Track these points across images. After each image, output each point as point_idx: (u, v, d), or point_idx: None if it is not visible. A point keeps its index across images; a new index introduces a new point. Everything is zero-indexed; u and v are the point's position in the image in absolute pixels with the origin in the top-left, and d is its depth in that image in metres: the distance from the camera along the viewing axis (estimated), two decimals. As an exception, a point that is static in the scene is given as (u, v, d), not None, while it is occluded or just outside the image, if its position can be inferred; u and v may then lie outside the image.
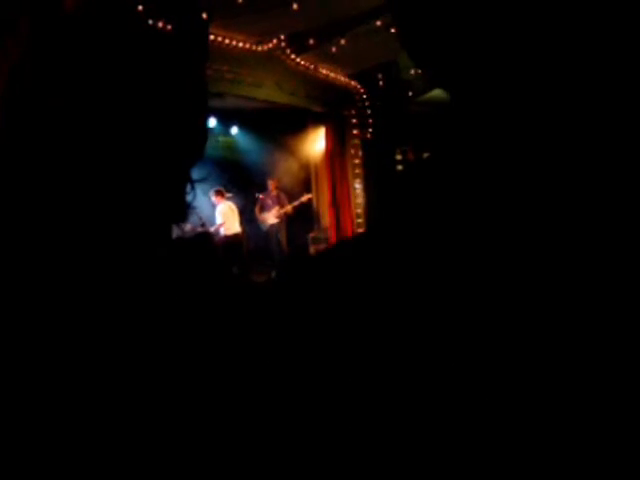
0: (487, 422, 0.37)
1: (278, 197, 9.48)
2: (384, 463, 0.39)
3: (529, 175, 0.40)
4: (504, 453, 0.37)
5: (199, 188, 0.78)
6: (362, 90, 9.17)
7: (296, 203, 9.46)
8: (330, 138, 9.68)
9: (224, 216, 8.55)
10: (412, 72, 8.54)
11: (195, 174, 0.77)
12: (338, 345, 0.41)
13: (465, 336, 0.38)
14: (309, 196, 9.63)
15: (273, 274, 7.09)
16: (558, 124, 0.40)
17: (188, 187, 0.75)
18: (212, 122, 7.95)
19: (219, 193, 8.51)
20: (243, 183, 9.28)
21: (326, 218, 9.90)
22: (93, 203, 0.65)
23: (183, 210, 0.75)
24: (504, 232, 0.39)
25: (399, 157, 9.36)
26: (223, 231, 8.50)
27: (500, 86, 0.41)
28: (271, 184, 9.51)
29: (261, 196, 9.53)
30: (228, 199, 8.67)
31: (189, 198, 0.76)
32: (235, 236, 8.65)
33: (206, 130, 0.79)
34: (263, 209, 9.50)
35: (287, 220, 9.53)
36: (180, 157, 0.73)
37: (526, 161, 0.40)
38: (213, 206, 8.54)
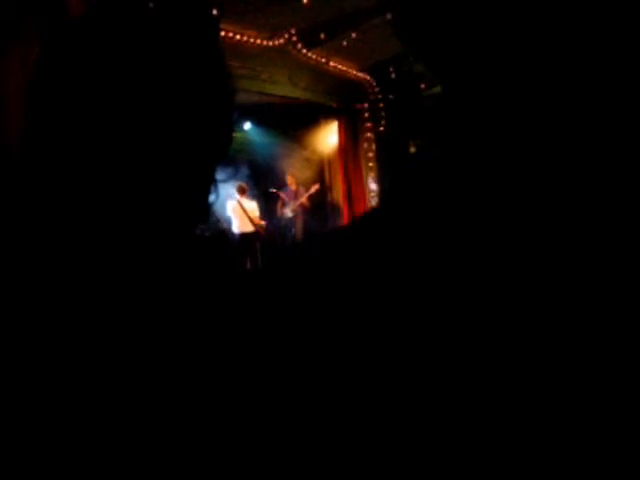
0: (487, 421, 0.37)
1: (296, 192, 9.53)
2: (383, 462, 0.39)
3: (522, 170, 0.39)
4: (504, 453, 0.36)
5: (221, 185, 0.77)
6: (374, 83, 9.14)
7: (306, 195, 9.48)
8: (343, 132, 9.67)
9: (234, 213, 8.57)
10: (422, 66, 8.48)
11: (219, 174, 0.76)
12: (335, 339, 0.41)
13: (465, 331, 0.38)
14: (317, 187, 9.62)
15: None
16: (552, 120, 0.39)
17: (212, 187, 0.75)
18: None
19: (240, 189, 8.48)
20: (255, 178, 9.31)
21: (340, 212, 9.90)
22: (115, 201, 0.66)
23: (207, 210, 0.75)
24: (500, 227, 0.39)
25: (413, 150, 9.32)
26: (236, 228, 8.52)
27: (496, 80, 0.41)
28: (289, 179, 9.56)
29: (280, 192, 9.57)
30: (244, 196, 8.64)
31: (212, 198, 0.76)
32: (250, 233, 8.64)
33: (230, 130, 0.78)
34: (283, 204, 9.56)
35: (304, 214, 9.54)
36: (204, 157, 0.73)
37: (519, 156, 0.40)
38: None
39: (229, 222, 8.49)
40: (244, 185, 8.52)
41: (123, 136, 0.65)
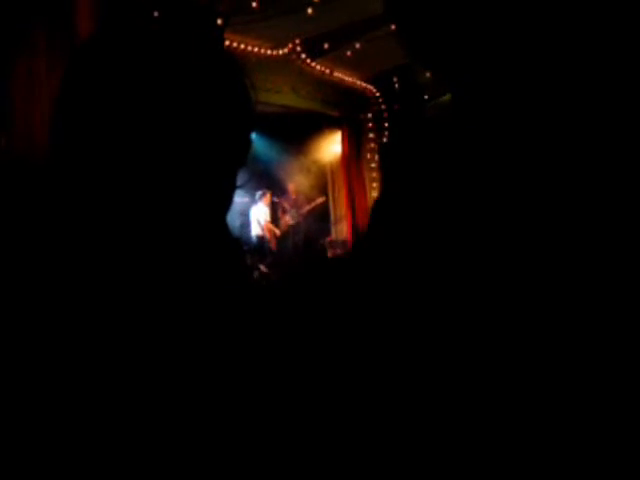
0: (487, 421, 0.37)
1: (296, 201, 9.62)
2: (383, 462, 0.38)
3: (526, 171, 0.39)
4: (504, 452, 0.36)
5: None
6: (378, 94, 9.17)
7: (311, 205, 9.60)
8: (346, 142, 9.69)
9: (251, 217, 9.21)
10: (428, 75, 8.51)
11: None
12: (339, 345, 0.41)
13: (465, 333, 0.38)
14: (322, 199, 9.78)
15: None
16: (559, 121, 0.39)
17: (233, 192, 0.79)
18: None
19: (262, 195, 9.20)
20: (259, 188, 9.41)
21: (343, 222, 9.92)
22: (140, 209, 0.68)
23: (224, 216, 0.78)
24: (501, 229, 0.39)
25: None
26: (251, 231, 9.13)
27: (503, 84, 0.41)
28: (291, 188, 9.71)
29: (280, 200, 9.72)
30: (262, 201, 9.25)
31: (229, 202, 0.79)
32: (260, 236, 9.18)
33: (249, 138, 0.81)
34: (283, 212, 9.68)
35: (305, 223, 9.64)
36: (225, 164, 0.76)
37: (524, 158, 0.40)
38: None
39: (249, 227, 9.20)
40: (266, 192, 9.22)
41: (146, 147, 0.68)
